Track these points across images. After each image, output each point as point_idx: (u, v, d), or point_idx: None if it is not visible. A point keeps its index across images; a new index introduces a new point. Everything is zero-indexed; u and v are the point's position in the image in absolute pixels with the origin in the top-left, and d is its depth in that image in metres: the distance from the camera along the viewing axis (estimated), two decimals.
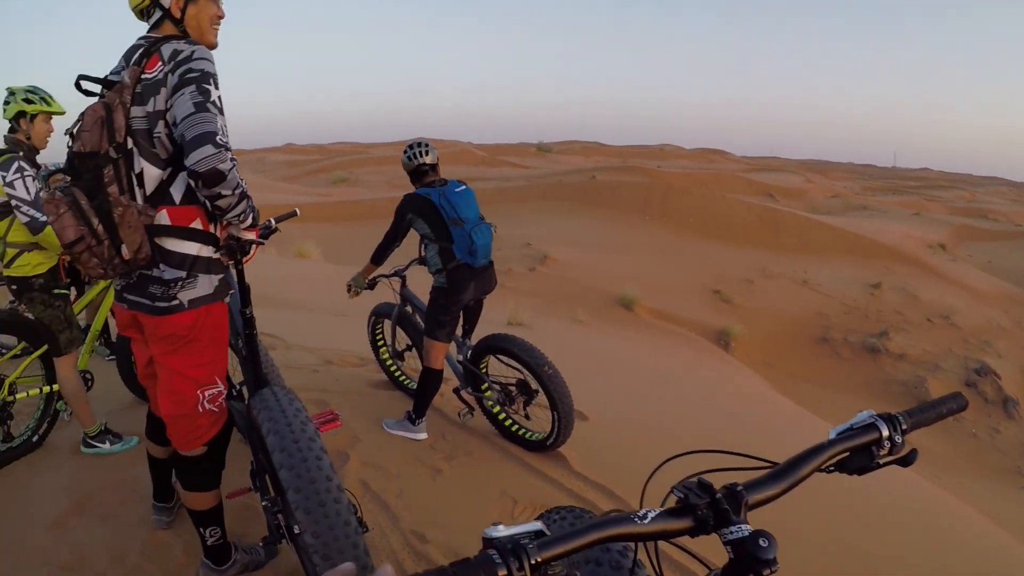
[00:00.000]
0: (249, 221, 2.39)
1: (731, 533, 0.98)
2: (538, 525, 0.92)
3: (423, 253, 4.34)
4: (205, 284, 2.38)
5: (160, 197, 2.28)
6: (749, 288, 20.21)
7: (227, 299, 2.53)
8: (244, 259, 2.58)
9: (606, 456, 4.60)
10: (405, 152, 4.41)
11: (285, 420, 2.10)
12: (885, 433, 1.18)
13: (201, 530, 2.71)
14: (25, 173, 3.61)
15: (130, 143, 2.19)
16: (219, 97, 2.17)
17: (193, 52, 2.19)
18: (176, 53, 2.18)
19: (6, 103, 3.75)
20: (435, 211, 4.06)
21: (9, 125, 3.78)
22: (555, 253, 19.51)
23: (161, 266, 2.29)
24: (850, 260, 24.25)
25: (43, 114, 3.85)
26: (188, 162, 2.04)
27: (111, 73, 2.35)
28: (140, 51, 2.27)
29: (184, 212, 2.31)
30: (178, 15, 2.35)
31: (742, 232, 24.67)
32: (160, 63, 2.19)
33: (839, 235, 25.91)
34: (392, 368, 5.38)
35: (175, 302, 2.31)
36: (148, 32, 2.37)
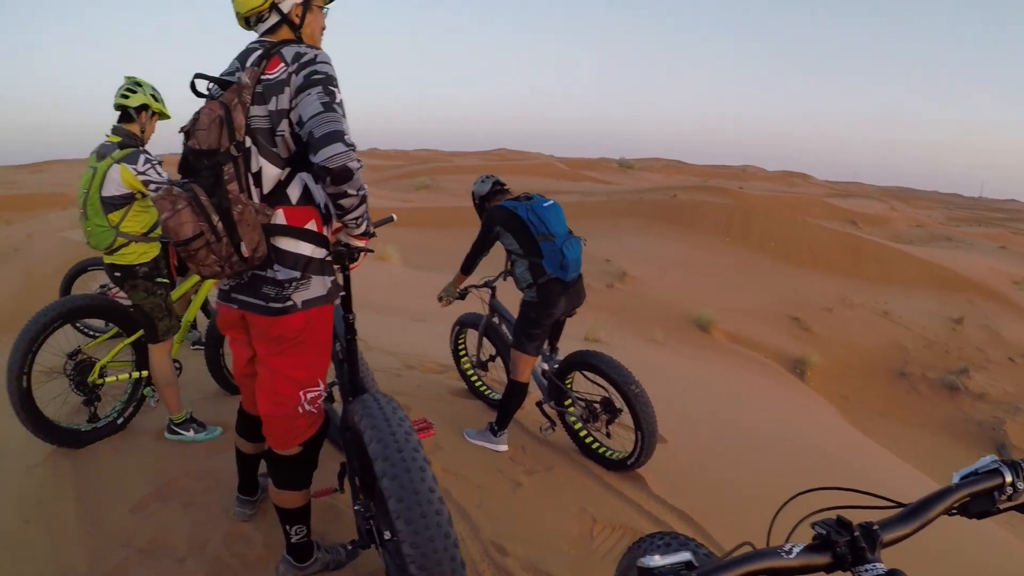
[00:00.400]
0: (363, 228, 2.41)
1: (867, 571, 1.02)
2: (687, 555, 0.97)
3: (509, 267, 4.32)
4: (318, 285, 2.40)
5: (277, 197, 2.30)
6: (828, 317, 19.70)
7: (337, 301, 2.54)
8: (352, 266, 2.59)
9: (684, 480, 4.49)
10: (476, 183, 4.60)
11: (389, 429, 2.07)
12: (1008, 479, 1.18)
13: (287, 527, 2.70)
14: (153, 162, 3.77)
15: (248, 142, 2.21)
16: (342, 100, 2.19)
17: (316, 56, 2.23)
18: (299, 56, 2.22)
19: (130, 91, 3.86)
20: (523, 226, 4.04)
21: (120, 114, 3.89)
22: (634, 271, 19.38)
23: (276, 266, 2.30)
24: (932, 292, 23.45)
25: (159, 114, 4.01)
26: (317, 158, 2.05)
27: (224, 74, 2.39)
28: (258, 53, 2.31)
29: (300, 213, 2.33)
30: (297, 21, 2.42)
31: (823, 258, 24.10)
32: (282, 64, 2.22)
33: (922, 266, 25.12)
34: (473, 378, 5.37)
35: (289, 303, 2.32)
36: (262, 36, 2.41)
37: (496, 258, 4.36)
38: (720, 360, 13.57)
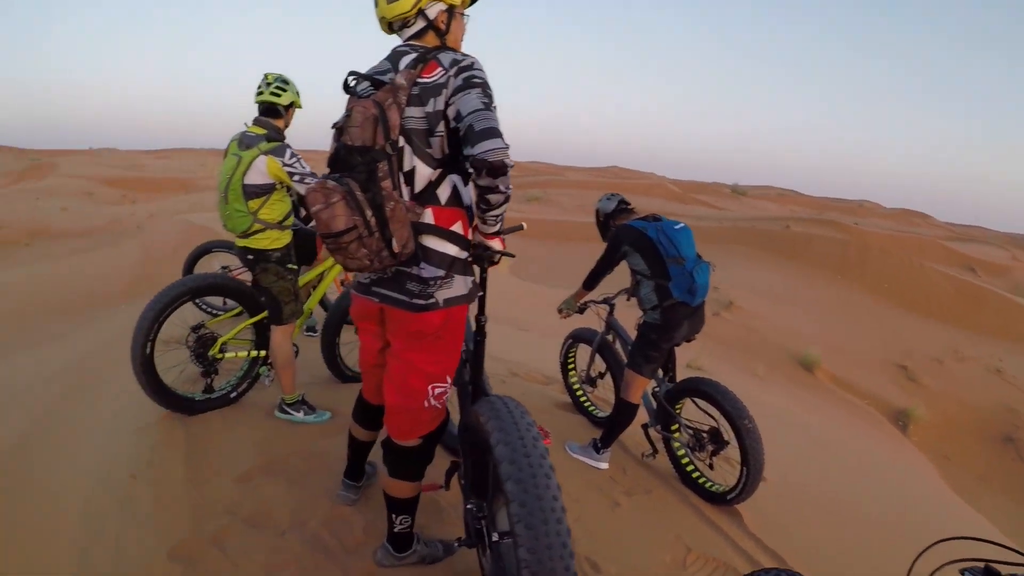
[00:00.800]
0: (496, 227, 2.43)
1: None
2: None
3: (633, 287, 4.28)
4: (460, 285, 2.44)
5: (427, 197, 2.35)
6: (937, 368, 18.73)
7: (475, 301, 2.58)
8: (489, 266, 2.63)
9: (780, 521, 4.35)
10: (601, 200, 4.62)
11: (517, 432, 2.06)
12: None
13: (393, 516, 2.75)
14: (298, 156, 3.94)
15: (402, 141, 2.28)
16: (496, 106, 2.23)
17: (473, 62, 2.30)
18: (456, 61, 2.29)
19: (281, 90, 4.06)
20: (652, 247, 4.00)
21: (268, 108, 4.06)
22: (741, 301, 18.85)
23: (422, 264, 2.35)
24: None
25: (297, 109, 4.22)
26: (475, 150, 2.08)
27: (374, 73, 2.46)
28: (412, 57, 2.38)
29: (448, 213, 2.38)
30: (443, 28, 2.49)
31: (937, 305, 22.85)
32: (440, 69, 2.29)
33: None
34: (579, 393, 5.35)
35: (432, 300, 2.37)
36: (409, 41, 2.48)
37: (618, 275, 4.33)
38: (822, 403, 13.10)
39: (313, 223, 3.19)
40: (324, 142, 2.60)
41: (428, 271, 2.35)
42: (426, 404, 2.52)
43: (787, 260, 24.91)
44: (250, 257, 4.04)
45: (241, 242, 4.04)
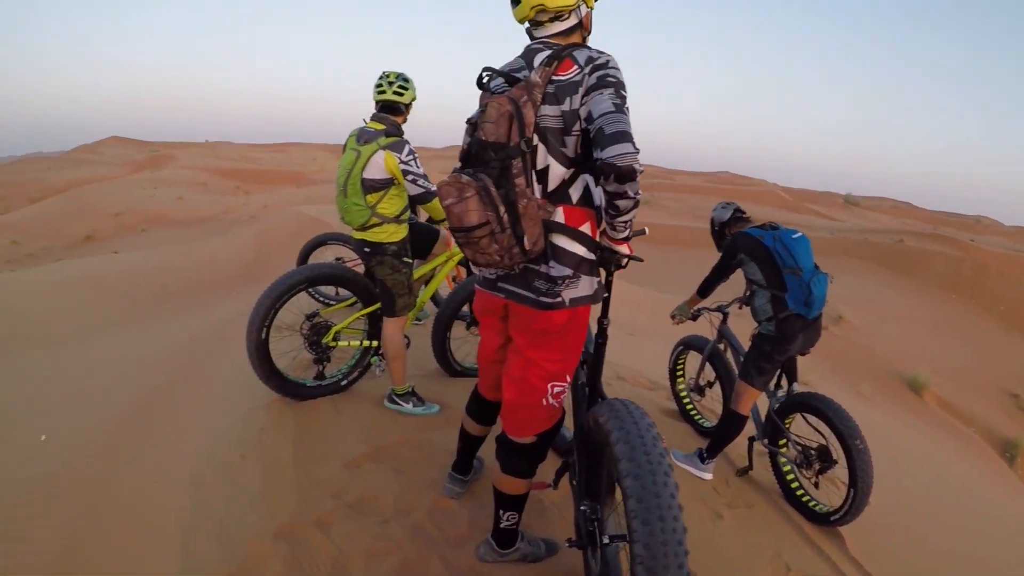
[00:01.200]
0: (625, 234, 2.39)
1: None
2: None
3: (747, 296, 4.20)
4: (586, 285, 2.42)
5: (559, 196, 2.34)
6: None
7: (599, 303, 2.57)
8: (616, 270, 2.60)
9: (884, 548, 4.17)
10: (716, 209, 4.54)
11: (637, 431, 2.08)
12: None
13: (500, 512, 2.78)
14: (415, 154, 4.00)
15: (536, 139, 2.26)
16: (629, 107, 2.20)
17: (608, 61, 2.26)
18: (592, 59, 2.26)
19: (404, 89, 4.12)
20: (769, 256, 3.91)
21: (391, 106, 4.13)
22: (850, 315, 18.02)
23: (551, 262, 2.35)
24: None
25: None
26: (605, 155, 2.06)
27: (509, 70, 2.45)
28: (546, 54, 2.35)
29: (578, 213, 2.36)
30: (589, 28, 2.50)
31: None
32: (575, 67, 2.26)
33: None
34: (686, 401, 5.28)
35: (559, 299, 2.36)
36: (551, 37, 2.44)
37: (733, 283, 4.26)
38: (928, 427, 12.47)
39: (445, 219, 3.20)
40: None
41: (557, 270, 2.34)
42: (544, 402, 2.52)
43: (899, 275, 23.75)
44: (367, 250, 4.12)
45: (358, 235, 4.11)
